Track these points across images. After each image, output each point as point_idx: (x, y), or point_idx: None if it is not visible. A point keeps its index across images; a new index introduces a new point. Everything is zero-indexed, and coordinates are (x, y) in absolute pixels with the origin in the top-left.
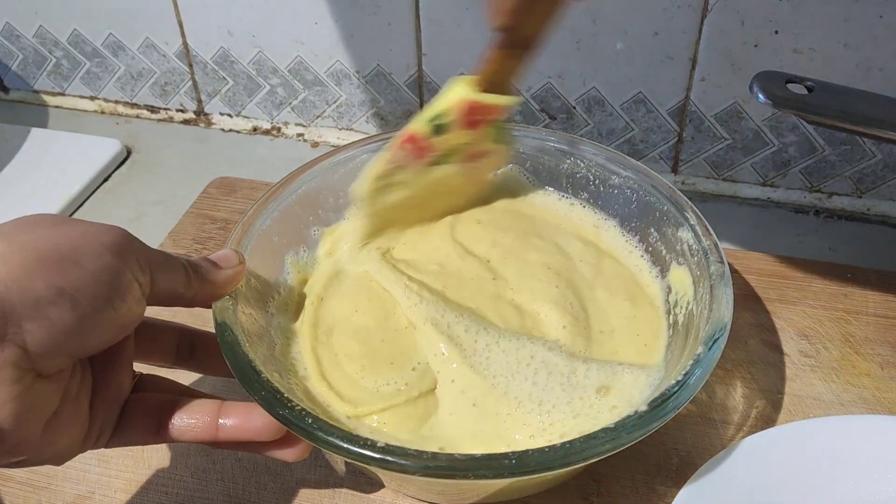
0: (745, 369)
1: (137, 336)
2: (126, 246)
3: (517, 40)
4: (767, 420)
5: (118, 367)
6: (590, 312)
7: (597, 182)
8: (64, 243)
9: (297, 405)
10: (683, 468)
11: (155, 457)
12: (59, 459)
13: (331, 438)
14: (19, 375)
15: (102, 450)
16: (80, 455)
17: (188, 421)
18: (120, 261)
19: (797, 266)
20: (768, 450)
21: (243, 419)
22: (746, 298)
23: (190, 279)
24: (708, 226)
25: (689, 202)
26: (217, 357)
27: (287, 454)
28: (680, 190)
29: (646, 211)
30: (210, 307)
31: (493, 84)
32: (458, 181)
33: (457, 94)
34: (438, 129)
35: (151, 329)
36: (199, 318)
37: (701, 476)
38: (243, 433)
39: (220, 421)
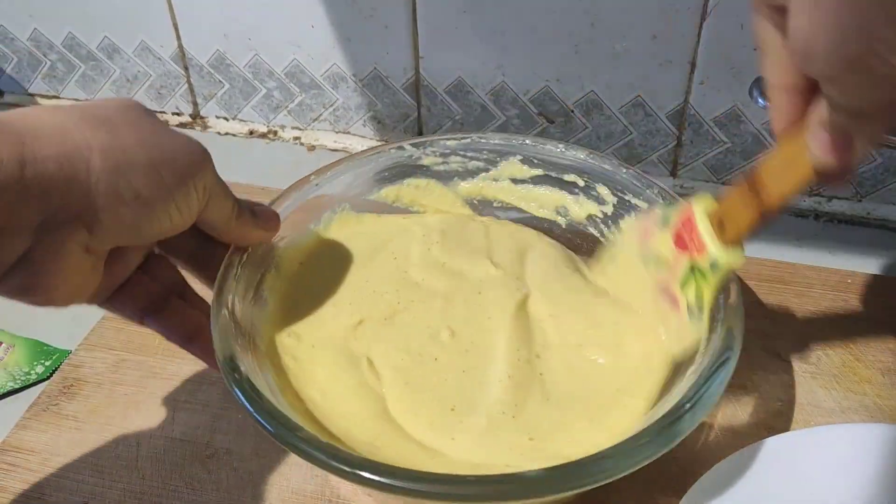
0: (746, 376)
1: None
2: (204, 167)
3: (764, 192)
4: (768, 428)
5: (131, 247)
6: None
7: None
8: (156, 155)
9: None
10: (683, 477)
11: (150, 467)
12: (62, 303)
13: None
14: (78, 251)
15: (96, 461)
16: (75, 465)
17: (167, 325)
18: (192, 182)
19: (797, 271)
20: (769, 459)
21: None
22: (746, 305)
23: (231, 220)
24: None
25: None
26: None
27: None
28: (678, 194)
29: None
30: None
31: (722, 224)
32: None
33: (692, 201)
34: (664, 221)
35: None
36: None
37: (701, 485)
38: (204, 360)
39: (192, 341)
